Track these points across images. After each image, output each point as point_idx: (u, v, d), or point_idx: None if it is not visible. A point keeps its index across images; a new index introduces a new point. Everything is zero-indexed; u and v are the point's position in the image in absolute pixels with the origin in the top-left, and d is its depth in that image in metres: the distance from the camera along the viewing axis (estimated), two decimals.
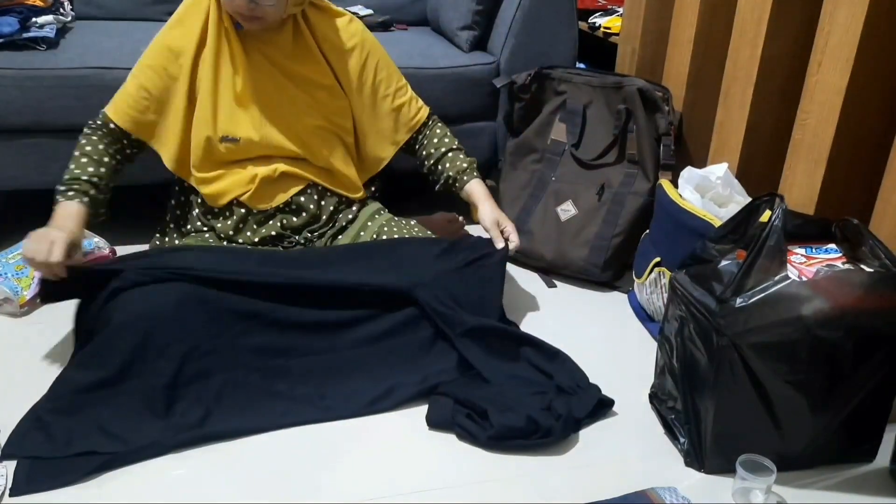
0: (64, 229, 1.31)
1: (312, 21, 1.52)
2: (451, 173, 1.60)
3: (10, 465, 1.11)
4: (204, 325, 1.25)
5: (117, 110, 1.46)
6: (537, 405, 1.23)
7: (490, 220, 1.53)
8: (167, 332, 1.22)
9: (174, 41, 1.46)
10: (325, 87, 1.53)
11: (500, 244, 1.50)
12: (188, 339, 1.23)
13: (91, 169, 1.41)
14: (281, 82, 1.49)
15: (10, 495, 1.07)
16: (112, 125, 1.46)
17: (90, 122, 1.47)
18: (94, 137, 1.45)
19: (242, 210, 1.50)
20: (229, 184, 1.49)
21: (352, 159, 1.59)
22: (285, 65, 1.49)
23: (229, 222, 1.50)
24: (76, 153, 1.43)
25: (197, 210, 1.54)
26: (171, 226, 1.57)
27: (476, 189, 1.58)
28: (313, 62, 1.52)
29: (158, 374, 1.20)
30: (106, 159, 1.44)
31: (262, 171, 1.49)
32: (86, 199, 1.38)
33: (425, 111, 1.65)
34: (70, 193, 1.37)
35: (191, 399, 1.21)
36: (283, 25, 1.48)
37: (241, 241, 1.50)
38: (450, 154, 1.62)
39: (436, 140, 1.63)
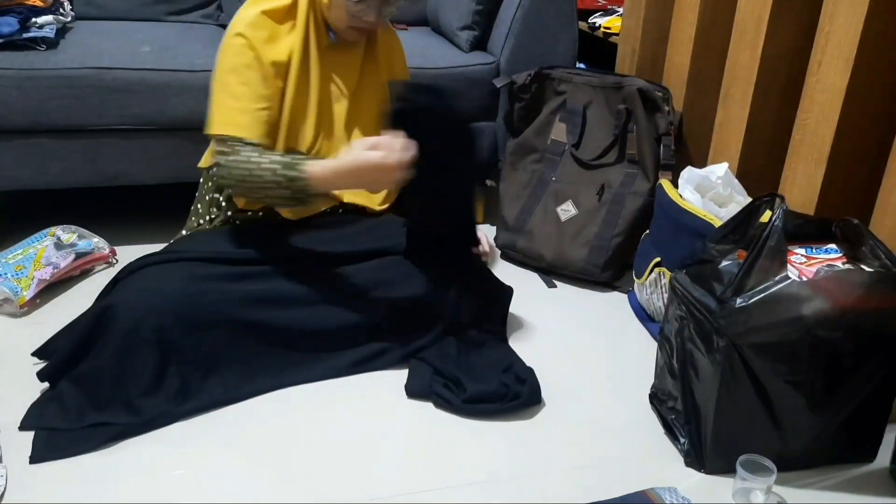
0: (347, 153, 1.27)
1: (381, 33, 1.54)
2: None
3: (9, 466, 1.11)
4: (202, 294, 1.29)
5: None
6: (505, 374, 1.34)
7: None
8: (167, 308, 1.26)
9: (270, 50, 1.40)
10: (383, 100, 1.53)
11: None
12: (188, 312, 1.27)
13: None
14: (349, 92, 1.50)
15: (31, 462, 1.12)
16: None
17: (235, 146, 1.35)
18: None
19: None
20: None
21: None
22: (355, 75, 1.51)
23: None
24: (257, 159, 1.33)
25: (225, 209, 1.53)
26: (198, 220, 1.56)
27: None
28: (377, 70, 1.54)
29: (161, 349, 1.24)
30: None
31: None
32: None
33: None
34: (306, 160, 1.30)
35: (193, 367, 1.26)
36: (358, 39, 1.50)
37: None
38: None
39: None
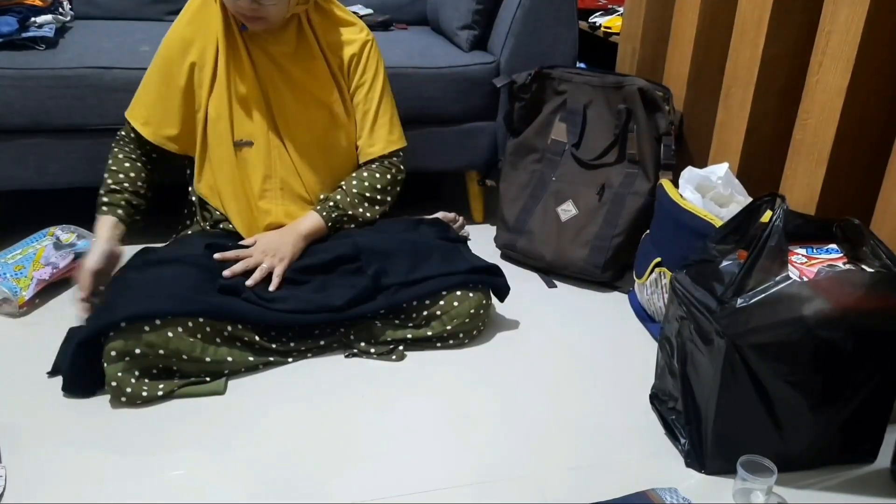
0: (95, 243, 1.43)
1: (315, 23, 1.54)
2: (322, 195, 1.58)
3: (9, 466, 1.11)
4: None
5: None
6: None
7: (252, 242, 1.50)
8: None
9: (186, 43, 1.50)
10: (325, 87, 1.55)
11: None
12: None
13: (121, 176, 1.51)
14: (286, 82, 1.51)
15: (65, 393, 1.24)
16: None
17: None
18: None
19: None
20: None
21: (347, 159, 1.61)
22: (288, 64, 1.51)
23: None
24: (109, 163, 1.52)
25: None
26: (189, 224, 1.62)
27: (305, 220, 1.52)
28: (313, 60, 1.53)
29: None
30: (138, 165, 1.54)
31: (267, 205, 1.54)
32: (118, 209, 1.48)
33: (382, 149, 1.60)
34: (103, 208, 1.47)
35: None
36: (286, 26, 1.49)
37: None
38: (352, 181, 1.58)
39: (365, 171, 1.60)
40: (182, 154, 1.54)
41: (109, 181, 1.49)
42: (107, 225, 1.45)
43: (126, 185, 1.49)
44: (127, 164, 1.51)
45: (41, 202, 1.96)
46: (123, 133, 1.55)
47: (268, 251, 1.45)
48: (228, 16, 1.47)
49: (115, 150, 1.54)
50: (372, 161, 1.61)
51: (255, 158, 1.52)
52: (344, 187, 1.57)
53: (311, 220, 1.52)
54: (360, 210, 1.56)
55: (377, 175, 1.59)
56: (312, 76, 1.54)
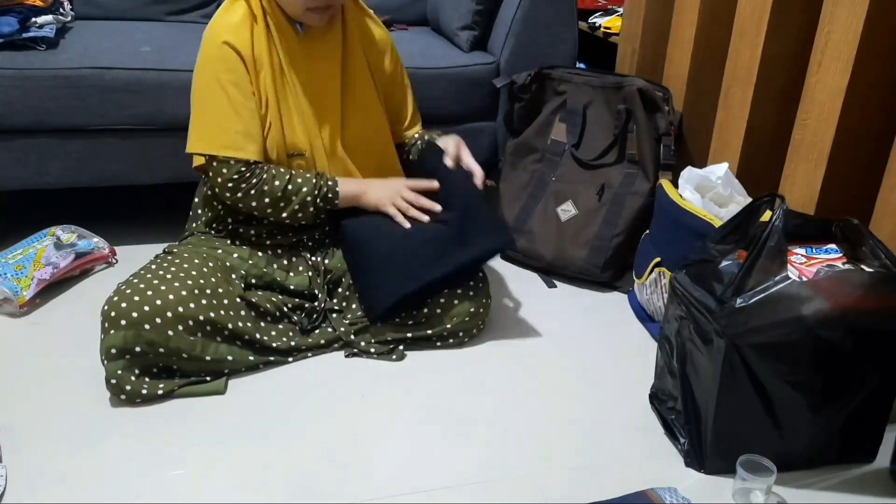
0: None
1: (348, 17, 1.49)
2: (423, 141, 1.61)
3: (9, 466, 1.11)
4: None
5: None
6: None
7: (454, 140, 1.53)
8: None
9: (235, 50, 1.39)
10: (368, 85, 1.52)
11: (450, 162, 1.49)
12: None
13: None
14: (337, 85, 1.47)
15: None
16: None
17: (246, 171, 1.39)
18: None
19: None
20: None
21: (389, 149, 1.59)
22: (336, 68, 1.47)
23: (262, 231, 1.50)
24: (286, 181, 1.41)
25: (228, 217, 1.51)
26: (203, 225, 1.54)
27: (449, 139, 1.56)
28: (357, 59, 1.50)
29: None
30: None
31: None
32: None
33: (418, 129, 1.65)
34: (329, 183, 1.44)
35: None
36: (333, 23, 1.45)
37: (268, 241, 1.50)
38: (423, 136, 1.62)
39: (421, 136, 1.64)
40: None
41: (300, 179, 1.42)
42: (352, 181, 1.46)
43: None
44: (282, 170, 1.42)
45: (42, 202, 1.96)
46: (238, 175, 1.38)
47: (389, 196, 1.47)
48: (271, 22, 1.39)
49: (254, 181, 1.39)
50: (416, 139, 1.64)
51: (308, 168, 1.46)
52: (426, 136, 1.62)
53: (448, 138, 1.56)
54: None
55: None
56: (358, 76, 1.50)
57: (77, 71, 1.64)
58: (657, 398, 1.30)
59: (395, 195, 1.47)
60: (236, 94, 1.36)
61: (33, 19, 1.70)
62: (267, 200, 1.40)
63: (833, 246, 1.19)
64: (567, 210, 1.77)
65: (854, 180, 1.38)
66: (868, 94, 1.32)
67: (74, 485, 1.09)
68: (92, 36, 1.79)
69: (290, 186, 1.40)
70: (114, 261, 1.72)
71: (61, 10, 1.86)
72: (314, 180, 1.42)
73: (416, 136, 1.63)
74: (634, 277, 1.63)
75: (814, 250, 1.18)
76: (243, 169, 1.38)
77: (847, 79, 1.30)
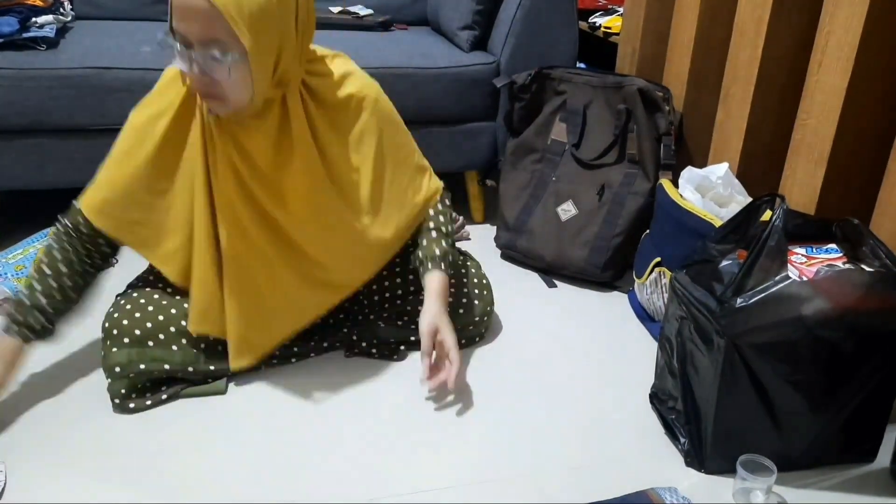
0: None
1: (308, 101, 1.22)
2: (420, 254, 1.36)
3: (9, 466, 1.11)
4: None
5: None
6: None
7: (426, 325, 1.27)
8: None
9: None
10: (316, 178, 1.24)
11: (428, 373, 1.27)
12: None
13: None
14: (261, 184, 1.21)
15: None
16: None
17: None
18: None
19: None
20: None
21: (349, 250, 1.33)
22: (264, 161, 1.20)
23: None
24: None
25: None
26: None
27: (431, 283, 1.31)
28: (298, 155, 1.21)
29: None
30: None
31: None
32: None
33: (422, 199, 1.38)
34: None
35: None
36: (265, 113, 1.17)
37: None
38: (431, 233, 1.37)
39: (430, 220, 1.39)
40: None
41: (35, 283, 1.22)
42: (11, 349, 1.19)
43: (47, 291, 1.22)
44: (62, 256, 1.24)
45: (42, 202, 1.96)
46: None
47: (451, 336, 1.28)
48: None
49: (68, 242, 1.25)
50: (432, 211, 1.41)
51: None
52: (434, 235, 1.37)
53: (440, 283, 1.32)
54: (454, 249, 1.40)
55: (442, 214, 1.41)
56: (300, 172, 1.22)
57: (77, 71, 1.64)
58: (657, 398, 1.30)
59: None
60: (129, 163, 1.24)
61: (33, 19, 1.71)
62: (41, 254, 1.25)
63: (833, 246, 1.19)
64: (567, 210, 1.77)
65: (854, 180, 1.38)
66: (868, 93, 1.32)
67: (74, 484, 1.09)
68: (92, 36, 1.79)
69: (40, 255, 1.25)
70: (114, 261, 1.72)
71: (61, 10, 1.86)
72: (28, 284, 1.22)
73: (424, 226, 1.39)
74: (634, 277, 1.63)
75: (814, 250, 1.19)
76: (60, 222, 1.27)
77: (847, 79, 1.30)
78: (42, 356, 1.36)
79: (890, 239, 1.21)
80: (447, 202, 1.44)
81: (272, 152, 1.20)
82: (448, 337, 1.27)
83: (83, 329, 1.39)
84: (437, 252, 1.34)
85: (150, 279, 1.34)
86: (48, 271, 1.23)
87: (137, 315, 1.25)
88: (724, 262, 1.18)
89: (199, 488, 1.10)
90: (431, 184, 1.41)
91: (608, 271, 1.72)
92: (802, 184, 1.42)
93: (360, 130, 1.29)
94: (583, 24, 2.42)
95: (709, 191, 1.51)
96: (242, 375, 1.34)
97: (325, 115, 1.25)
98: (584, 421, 1.28)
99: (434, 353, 1.29)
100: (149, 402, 1.25)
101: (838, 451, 1.19)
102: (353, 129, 1.28)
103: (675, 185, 1.54)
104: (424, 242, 1.37)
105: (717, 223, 1.33)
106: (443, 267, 1.33)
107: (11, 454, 1.14)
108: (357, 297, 1.44)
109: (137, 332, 1.24)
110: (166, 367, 1.25)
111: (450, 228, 1.40)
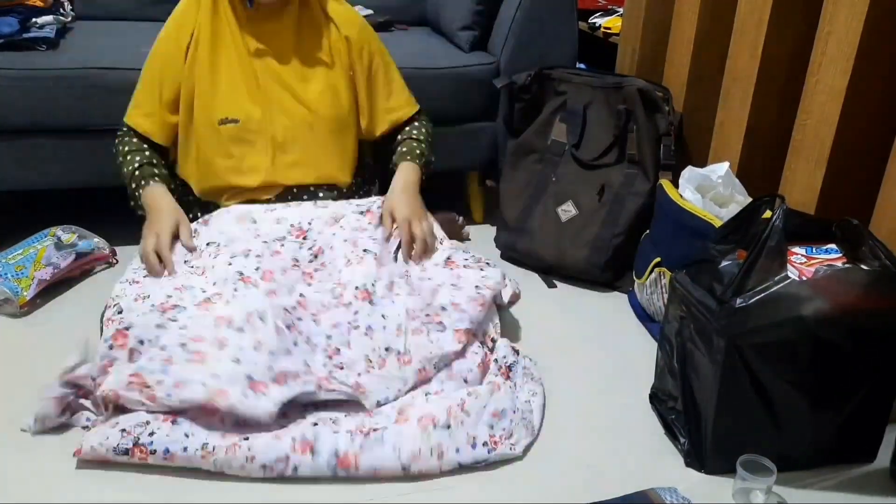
0: (158, 214, 1.42)
1: (313, 2, 1.51)
2: (394, 158, 1.58)
3: (10, 466, 1.11)
4: None
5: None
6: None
7: (385, 207, 1.47)
8: None
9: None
10: (326, 65, 1.51)
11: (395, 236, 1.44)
12: None
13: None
14: (284, 63, 1.48)
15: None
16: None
17: None
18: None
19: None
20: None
21: (344, 142, 1.56)
22: (288, 45, 1.48)
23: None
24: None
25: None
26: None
27: (400, 172, 1.53)
28: (317, 37, 1.51)
29: None
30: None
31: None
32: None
33: (410, 110, 1.64)
34: (150, 180, 1.46)
35: None
36: (289, 3, 1.47)
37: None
38: (408, 140, 1.60)
39: (406, 132, 1.63)
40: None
41: (137, 159, 1.47)
42: (161, 192, 1.45)
43: (154, 160, 1.49)
44: (144, 145, 1.50)
45: (42, 202, 1.96)
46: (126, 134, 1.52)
47: (412, 216, 1.46)
48: (219, 1, 1.45)
49: (125, 140, 1.51)
50: (410, 120, 1.64)
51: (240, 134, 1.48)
52: (415, 136, 1.60)
53: (413, 172, 1.53)
54: (433, 156, 1.61)
55: (425, 127, 1.64)
56: (312, 60, 1.50)
57: (77, 71, 1.64)
58: (657, 398, 1.30)
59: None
60: (151, 67, 1.49)
61: (34, 20, 1.71)
62: (118, 162, 1.50)
63: (833, 246, 1.19)
64: (567, 210, 1.77)
65: (854, 180, 1.38)
66: (868, 94, 1.32)
67: (74, 484, 1.09)
68: (92, 36, 1.79)
69: (119, 159, 1.50)
70: (114, 261, 1.72)
71: (62, 10, 1.86)
72: (130, 168, 1.47)
73: (402, 136, 1.62)
74: (634, 277, 1.63)
75: (814, 250, 1.19)
76: (119, 132, 1.52)
77: (847, 79, 1.30)
78: (42, 356, 1.36)
79: (889, 239, 1.21)
80: (428, 125, 1.65)
81: (294, 39, 1.49)
82: (399, 215, 1.45)
83: (84, 329, 1.39)
84: (405, 150, 1.56)
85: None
86: (133, 149, 1.49)
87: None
88: (724, 263, 1.18)
89: (198, 487, 1.10)
90: (413, 100, 1.65)
91: (608, 271, 1.72)
92: (802, 184, 1.42)
93: (360, 31, 1.56)
94: (583, 25, 2.42)
95: (709, 191, 1.51)
96: None
97: (335, 5, 1.54)
98: (583, 421, 1.28)
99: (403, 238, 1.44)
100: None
101: (838, 452, 1.19)
102: (351, 27, 1.54)
103: (675, 185, 1.54)
104: (404, 149, 1.57)
105: (717, 223, 1.33)
106: (410, 160, 1.54)
107: (11, 454, 1.14)
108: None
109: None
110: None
111: (427, 140, 1.61)
